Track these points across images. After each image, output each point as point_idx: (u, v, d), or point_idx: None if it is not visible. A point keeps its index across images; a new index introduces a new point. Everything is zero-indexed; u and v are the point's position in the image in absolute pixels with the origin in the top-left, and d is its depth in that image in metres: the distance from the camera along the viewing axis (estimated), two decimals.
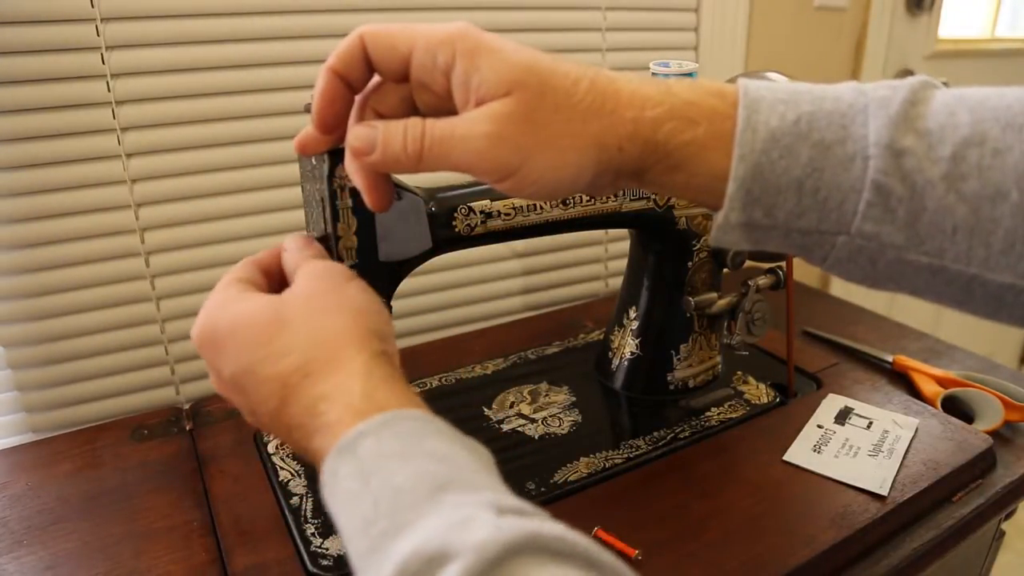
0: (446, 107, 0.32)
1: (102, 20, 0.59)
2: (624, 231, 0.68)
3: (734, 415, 0.60)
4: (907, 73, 1.18)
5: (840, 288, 1.24)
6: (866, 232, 0.29)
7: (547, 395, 0.64)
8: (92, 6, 0.58)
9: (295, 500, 0.51)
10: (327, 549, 0.47)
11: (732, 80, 0.63)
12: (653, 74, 0.56)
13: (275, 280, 0.38)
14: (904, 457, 0.54)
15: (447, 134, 0.31)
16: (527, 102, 0.30)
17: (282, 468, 0.55)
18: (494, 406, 0.62)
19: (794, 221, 0.30)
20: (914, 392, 0.66)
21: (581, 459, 0.55)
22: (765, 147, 0.29)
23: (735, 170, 0.30)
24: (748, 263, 0.62)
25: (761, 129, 0.30)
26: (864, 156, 0.29)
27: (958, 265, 0.29)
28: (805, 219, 0.30)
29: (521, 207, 0.50)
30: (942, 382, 0.67)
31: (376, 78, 0.35)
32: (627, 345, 0.64)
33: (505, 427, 0.59)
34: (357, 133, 0.34)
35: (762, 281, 0.60)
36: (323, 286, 0.34)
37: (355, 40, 0.34)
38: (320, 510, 0.50)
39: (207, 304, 0.34)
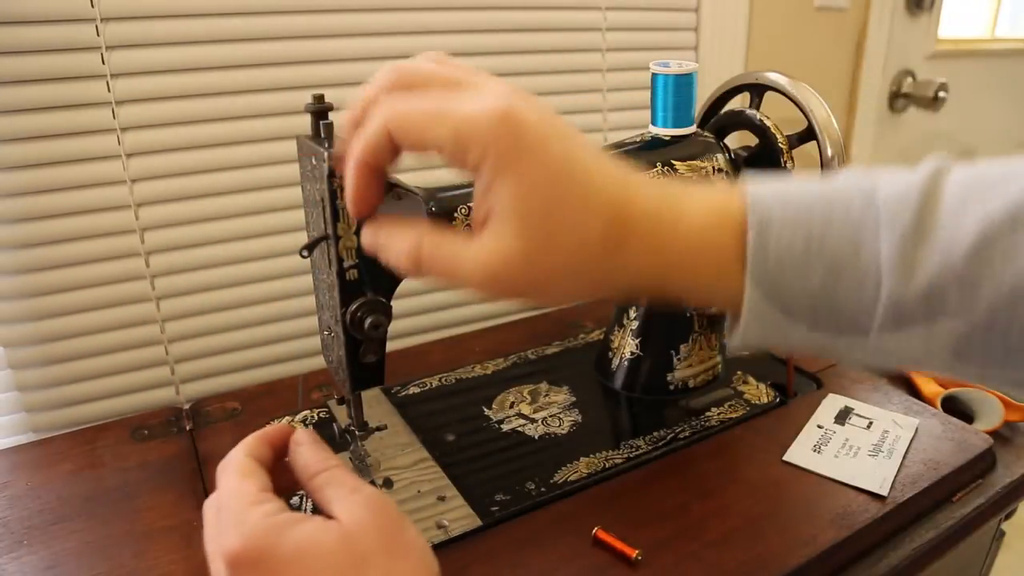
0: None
1: (102, 20, 0.59)
2: None
3: (734, 415, 0.60)
4: (907, 73, 1.18)
5: None
6: (883, 342, 0.30)
7: (547, 395, 0.64)
8: (92, 6, 0.58)
9: (295, 500, 0.51)
10: None
11: (732, 88, 0.63)
12: (653, 74, 0.56)
13: (279, 455, 0.38)
14: (904, 457, 0.54)
15: (450, 264, 0.30)
16: (530, 244, 0.29)
17: None
18: (494, 406, 0.62)
19: (811, 335, 0.31)
20: (914, 392, 0.66)
21: (581, 459, 0.55)
22: (778, 269, 0.30)
23: (748, 294, 0.30)
24: None
25: (772, 251, 0.30)
26: (876, 277, 0.29)
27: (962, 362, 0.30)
28: (822, 334, 0.31)
29: None
30: (942, 382, 0.67)
31: None
32: (627, 345, 0.64)
33: (505, 427, 0.59)
34: (365, 233, 0.34)
35: None
36: (390, 525, 0.33)
37: (382, 132, 0.30)
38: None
39: (234, 513, 0.32)
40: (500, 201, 0.29)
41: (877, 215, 0.30)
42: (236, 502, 0.33)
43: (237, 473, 0.35)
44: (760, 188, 0.32)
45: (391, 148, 0.31)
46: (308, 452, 0.37)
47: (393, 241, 0.32)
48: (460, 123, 0.28)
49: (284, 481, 0.37)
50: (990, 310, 0.28)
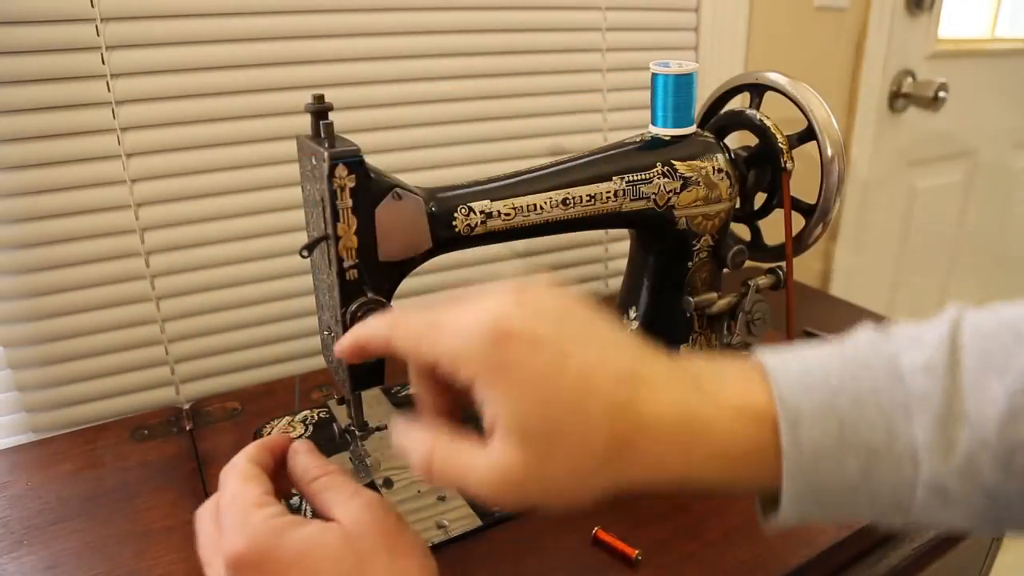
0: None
1: (102, 20, 0.59)
2: (624, 231, 0.68)
3: None
4: (907, 73, 1.18)
5: (840, 288, 1.24)
6: (925, 518, 0.30)
7: None
8: (92, 6, 0.58)
9: (295, 500, 0.51)
10: None
11: (732, 88, 0.63)
12: (653, 74, 0.56)
13: (281, 464, 0.38)
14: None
15: (461, 476, 0.30)
16: (534, 455, 0.28)
17: None
18: None
19: (850, 509, 0.31)
20: None
21: None
22: (814, 463, 0.30)
23: (786, 489, 0.30)
24: (748, 263, 0.62)
25: (806, 447, 0.30)
26: (914, 459, 0.29)
27: (1014, 527, 0.30)
28: (862, 512, 0.31)
29: (521, 207, 0.50)
30: None
31: None
32: None
33: None
34: (398, 437, 0.33)
35: (762, 281, 0.60)
36: (391, 525, 0.34)
37: (382, 335, 0.33)
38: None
39: (237, 515, 0.33)
40: (497, 415, 0.29)
41: (906, 396, 0.30)
42: (239, 505, 0.33)
43: (240, 477, 0.35)
44: (782, 373, 0.31)
45: (387, 347, 0.33)
46: (306, 459, 0.37)
47: (408, 445, 0.32)
48: (449, 339, 0.29)
49: (286, 488, 0.38)
50: None
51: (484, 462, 0.30)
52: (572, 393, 0.28)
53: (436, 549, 0.47)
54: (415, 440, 0.32)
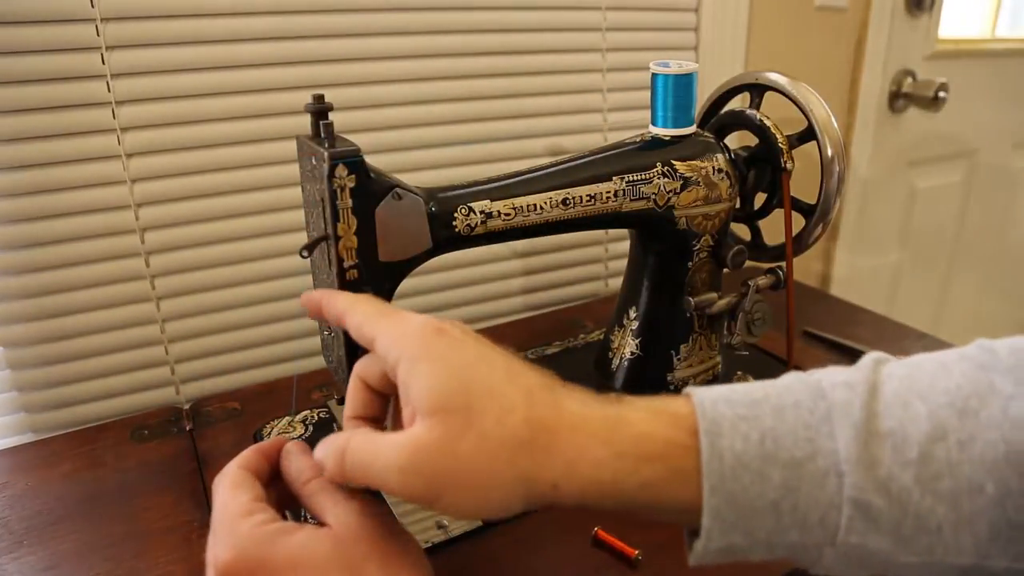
0: None
1: (102, 20, 0.59)
2: (624, 231, 0.68)
3: None
4: (907, 73, 1.18)
5: (840, 288, 1.24)
6: (852, 543, 0.29)
7: None
8: (92, 6, 0.58)
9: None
10: None
11: (732, 88, 0.63)
12: (653, 74, 0.56)
13: (276, 468, 0.38)
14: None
15: (366, 460, 0.31)
16: (450, 431, 0.29)
17: None
18: None
19: (776, 538, 0.29)
20: None
21: None
22: (735, 474, 0.29)
23: (707, 502, 0.29)
24: (748, 263, 0.62)
25: (727, 455, 0.29)
26: (838, 472, 0.28)
27: (950, 558, 0.28)
28: (788, 535, 0.29)
29: (521, 207, 0.50)
30: None
31: None
32: (627, 345, 0.64)
33: None
34: (317, 451, 0.34)
35: (762, 281, 0.60)
36: (383, 531, 0.33)
37: (338, 311, 0.37)
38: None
39: (225, 524, 0.32)
40: (416, 388, 0.30)
41: (828, 408, 0.29)
42: (227, 514, 0.33)
43: (229, 485, 0.34)
44: (703, 391, 0.31)
45: (338, 319, 0.37)
46: (299, 460, 0.37)
47: (324, 448, 0.33)
48: (391, 324, 0.33)
49: (285, 495, 0.37)
50: (954, 502, 0.28)
51: (397, 439, 0.30)
52: (494, 377, 0.30)
53: (436, 549, 0.47)
54: (331, 440, 0.33)
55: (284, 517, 0.35)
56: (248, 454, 0.37)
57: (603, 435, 0.30)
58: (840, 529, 0.28)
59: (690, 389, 0.32)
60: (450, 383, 0.30)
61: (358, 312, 0.35)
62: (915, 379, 0.30)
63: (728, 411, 0.30)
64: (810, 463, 0.29)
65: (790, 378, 0.32)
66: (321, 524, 0.34)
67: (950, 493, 0.28)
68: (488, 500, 0.29)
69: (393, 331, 0.32)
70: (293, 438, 0.58)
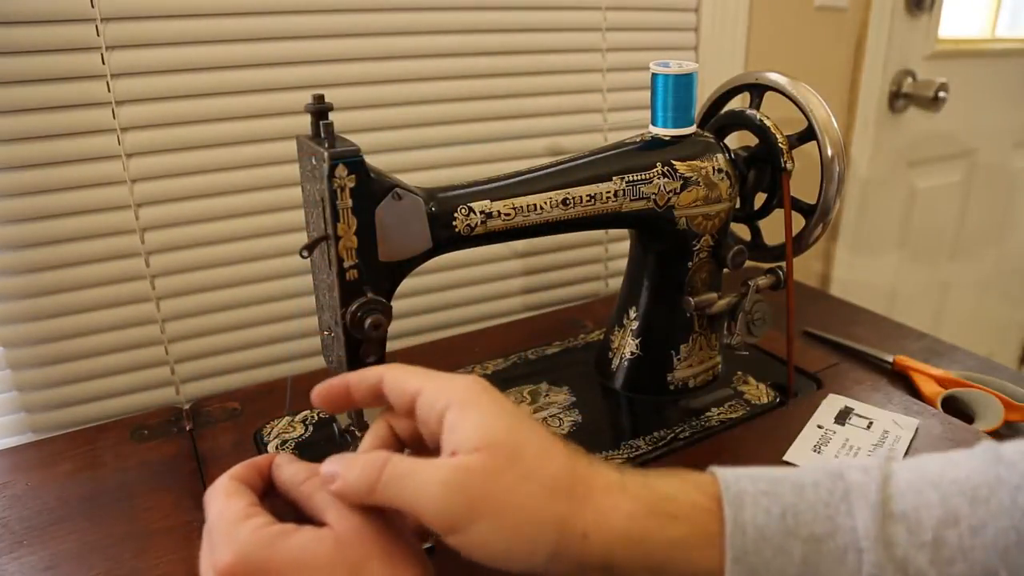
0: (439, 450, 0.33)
1: (102, 20, 0.59)
2: (624, 231, 0.68)
3: (734, 415, 0.60)
4: (907, 73, 1.18)
5: (840, 288, 1.24)
6: None
7: (547, 395, 0.64)
8: (92, 6, 0.58)
9: None
10: None
11: (732, 88, 0.63)
12: (653, 74, 0.56)
13: (267, 481, 0.37)
14: (904, 457, 0.54)
15: (407, 472, 0.31)
16: (495, 462, 0.30)
17: None
18: None
19: None
20: (914, 392, 0.66)
21: None
22: (757, 547, 0.29)
23: (730, 570, 0.29)
24: (748, 263, 0.62)
25: (750, 529, 0.30)
26: (857, 549, 0.29)
27: None
28: None
29: (521, 207, 0.50)
30: (942, 382, 0.67)
31: None
32: (627, 345, 0.64)
33: None
34: (327, 464, 0.34)
35: (762, 281, 0.60)
36: (384, 529, 0.33)
37: (376, 379, 0.36)
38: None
39: (223, 528, 0.32)
40: (463, 427, 0.31)
41: (847, 487, 0.30)
42: (225, 519, 0.33)
43: (223, 494, 0.34)
44: (725, 469, 0.32)
45: (378, 392, 0.36)
46: (293, 466, 0.37)
47: (350, 463, 0.33)
48: (438, 378, 0.34)
49: (278, 507, 0.37)
50: None
51: (442, 460, 0.31)
52: (537, 430, 0.32)
53: (436, 550, 0.47)
54: (359, 457, 0.33)
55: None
56: (239, 468, 0.37)
57: (633, 492, 0.31)
58: None
59: (713, 468, 0.33)
60: (499, 423, 0.31)
61: (397, 370, 0.36)
62: (926, 470, 0.31)
63: (750, 487, 0.31)
64: (830, 540, 0.29)
65: (807, 463, 0.33)
66: (321, 525, 0.33)
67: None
68: (519, 536, 0.30)
69: (442, 383, 0.34)
70: (293, 438, 0.58)
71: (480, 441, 0.31)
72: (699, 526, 0.30)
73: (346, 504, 0.33)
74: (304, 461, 0.37)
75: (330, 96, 0.42)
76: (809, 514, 0.30)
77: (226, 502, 0.34)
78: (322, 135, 0.41)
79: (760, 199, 0.63)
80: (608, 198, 0.54)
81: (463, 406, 0.32)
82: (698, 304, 0.60)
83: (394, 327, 0.47)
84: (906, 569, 0.29)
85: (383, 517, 0.34)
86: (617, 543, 0.30)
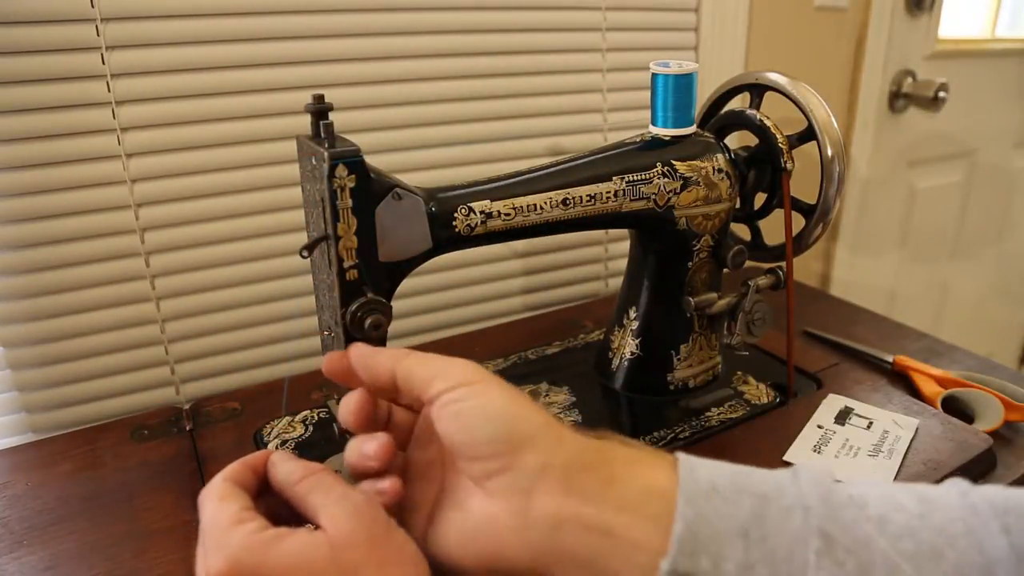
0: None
1: (102, 20, 0.59)
2: (624, 231, 0.68)
3: (734, 415, 0.60)
4: (907, 73, 1.18)
5: (840, 288, 1.24)
6: None
7: (547, 395, 0.64)
8: (92, 6, 0.58)
9: None
10: None
11: (732, 88, 0.63)
12: (653, 74, 0.56)
13: (262, 480, 0.37)
14: (904, 457, 0.54)
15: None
16: (512, 410, 0.33)
17: None
18: None
19: (745, 553, 0.29)
20: (914, 392, 0.66)
21: None
22: (707, 495, 0.30)
23: (680, 512, 0.29)
24: (748, 263, 0.62)
25: (703, 481, 0.31)
26: (804, 507, 0.30)
27: None
28: (756, 573, 0.29)
29: (521, 207, 0.50)
30: (942, 382, 0.67)
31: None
32: (627, 345, 0.64)
33: None
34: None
35: (762, 281, 0.60)
36: (380, 533, 0.33)
37: (388, 368, 0.36)
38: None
39: (215, 534, 0.32)
40: (472, 410, 0.33)
41: (795, 471, 0.32)
42: (217, 524, 0.32)
43: (216, 497, 0.34)
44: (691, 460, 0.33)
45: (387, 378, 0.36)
46: (288, 464, 0.36)
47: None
48: (438, 360, 0.35)
49: (274, 506, 0.36)
50: (916, 565, 0.28)
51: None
52: (529, 400, 0.35)
53: None
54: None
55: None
56: (234, 467, 0.36)
57: (596, 448, 0.34)
58: (809, 567, 0.28)
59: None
60: (503, 393, 0.34)
61: (401, 352, 0.37)
62: (862, 483, 0.32)
63: (700, 460, 0.32)
64: (778, 499, 0.30)
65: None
66: (316, 526, 0.33)
67: (913, 554, 0.28)
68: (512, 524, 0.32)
69: (443, 364, 0.35)
70: (293, 438, 0.58)
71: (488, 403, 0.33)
72: (654, 484, 0.31)
73: (346, 507, 0.33)
74: (300, 459, 0.37)
75: (330, 96, 0.42)
76: (757, 477, 0.31)
77: (218, 506, 0.33)
78: (322, 135, 0.41)
79: (760, 199, 0.63)
80: (608, 198, 0.54)
81: (472, 385, 0.34)
82: (698, 304, 0.60)
83: (394, 327, 0.47)
84: (855, 532, 0.29)
85: (378, 521, 0.33)
86: (582, 509, 0.31)
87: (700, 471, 0.31)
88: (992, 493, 0.31)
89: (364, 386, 0.37)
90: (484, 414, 0.33)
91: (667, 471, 0.32)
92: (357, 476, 0.36)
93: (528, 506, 0.32)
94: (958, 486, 0.31)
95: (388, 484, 0.35)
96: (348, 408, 0.36)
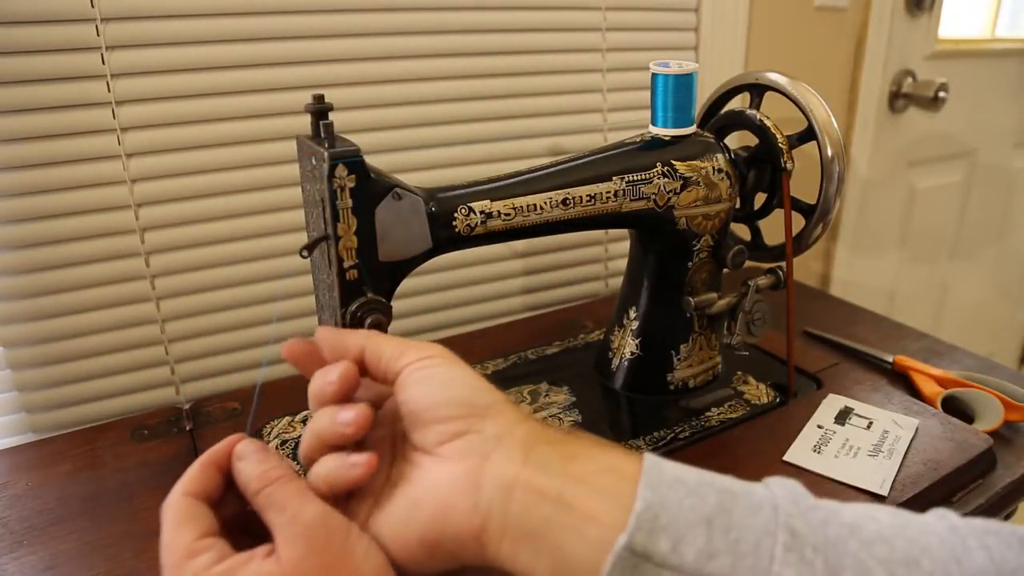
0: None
1: (102, 20, 0.59)
2: (624, 231, 0.68)
3: (734, 415, 0.60)
4: (907, 73, 1.18)
5: (840, 288, 1.24)
6: None
7: (547, 395, 0.64)
8: (92, 6, 0.58)
9: None
10: None
11: (732, 88, 0.63)
12: (653, 74, 0.56)
13: (228, 476, 0.35)
14: (904, 457, 0.54)
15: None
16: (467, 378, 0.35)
17: None
18: None
19: (705, 563, 0.27)
20: (914, 392, 0.66)
21: None
22: (671, 485, 0.29)
23: (642, 493, 0.28)
24: (748, 263, 0.62)
25: (667, 472, 0.30)
26: (773, 505, 0.28)
27: None
28: (717, 562, 0.27)
29: (521, 207, 0.50)
30: (942, 382, 0.67)
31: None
32: (627, 345, 0.64)
33: None
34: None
35: (762, 281, 0.60)
36: (333, 557, 0.31)
37: (358, 345, 0.37)
38: None
39: (169, 566, 0.31)
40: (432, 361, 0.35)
41: (767, 479, 0.31)
42: (171, 554, 0.31)
43: (172, 522, 0.32)
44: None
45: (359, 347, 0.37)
46: (249, 467, 0.34)
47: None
48: (400, 342, 0.36)
49: (237, 506, 0.35)
50: (890, 571, 0.27)
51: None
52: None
53: None
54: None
55: (243, 528, 0.34)
56: (193, 473, 0.34)
57: (561, 439, 0.33)
58: (776, 560, 0.27)
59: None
60: (463, 370, 0.35)
61: (376, 333, 0.38)
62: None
63: (669, 460, 0.31)
64: (746, 496, 0.29)
65: None
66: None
67: (886, 560, 0.27)
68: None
69: (407, 342, 0.36)
70: (294, 438, 0.58)
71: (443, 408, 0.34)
72: (620, 476, 0.30)
73: (297, 529, 0.31)
74: (263, 455, 0.35)
75: (330, 96, 0.42)
76: (727, 479, 0.30)
77: (174, 532, 0.32)
78: (322, 135, 0.41)
79: (760, 199, 0.63)
80: (608, 198, 0.54)
81: (440, 359, 0.35)
82: (698, 304, 0.60)
83: (394, 327, 0.47)
84: (825, 533, 0.27)
85: (333, 542, 0.32)
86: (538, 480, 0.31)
87: (666, 465, 0.30)
88: (972, 520, 0.29)
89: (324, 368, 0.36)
90: (452, 379, 0.34)
91: (632, 460, 0.31)
92: (324, 447, 0.34)
93: (483, 469, 0.31)
94: (937, 512, 0.30)
95: (365, 458, 0.33)
96: (333, 376, 0.35)
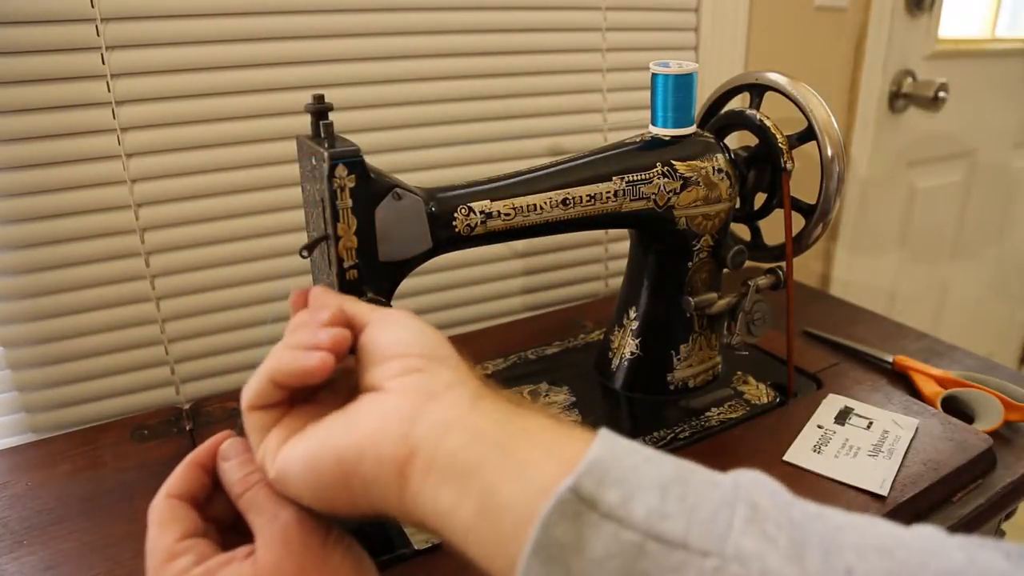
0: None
1: (102, 20, 0.59)
2: (624, 231, 0.68)
3: (734, 415, 0.60)
4: (907, 73, 1.18)
5: (840, 288, 1.24)
6: (745, 552, 0.23)
7: (547, 395, 0.64)
8: (92, 6, 0.58)
9: None
10: None
11: (732, 88, 0.63)
12: (653, 74, 0.56)
13: (214, 475, 0.36)
14: (904, 457, 0.54)
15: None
16: (427, 336, 0.36)
17: None
18: None
19: (656, 523, 0.24)
20: (914, 392, 0.66)
21: None
22: (627, 450, 0.27)
23: (595, 448, 0.26)
24: (748, 263, 0.62)
25: (623, 441, 0.27)
26: (735, 482, 0.26)
27: None
28: (670, 523, 0.24)
29: (521, 207, 0.50)
30: (942, 382, 0.67)
31: None
32: (627, 345, 0.64)
33: None
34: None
35: (762, 281, 0.60)
36: (309, 559, 0.31)
37: (337, 303, 0.38)
38: None
39: (151, 567, 0.31)
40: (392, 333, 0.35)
41: (733, 471, 0.29)
42: (154, 556, 0.32)
43: (156, 523, 0.33)
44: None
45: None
46: (232, 470, 0.34)
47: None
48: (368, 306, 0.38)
49: (228, 504, 0.35)
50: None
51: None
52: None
53: (434, 550, 0.47)
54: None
55: (233, 526, 0.34)
56: (180, 473, 0.35)
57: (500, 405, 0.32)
58: (734, 529, 0.24)
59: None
60: (417, 327, 0.36)
61: (354, 303, 0.39)
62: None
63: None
64: (706, 473, 0.27)
65: None
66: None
67: (855, 545, 0.25)
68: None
69: (372, 307, 0.38)
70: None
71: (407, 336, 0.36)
72: (564, 441, 0.28)
73: (275, 532, 0.32)
74: (249, 455, 0.35)
75: (330, 96, 0.42)
76: (688, 461, 0.28)
77: (157, 533, 0.32)
78: (322, 135, 0.41)
79: (760, 199, 0.63)
80: (608, 198, 0.54)
81: (389, 314, 0.37)
82: (698, 304, 0.60)
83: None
84: (789, 512, 0.25)
85: (310, 546, 0.32)
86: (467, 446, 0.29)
87: (622, 439, 0.28)
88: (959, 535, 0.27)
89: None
90: (420, 328, 0.35)
91: (586, 430, 0.28)
92: (276, 388, 0.33)
93: (426, 406, 0.30)
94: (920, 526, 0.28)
95: (321, 353, 0.32)
96: (325, 316, 0.35)
